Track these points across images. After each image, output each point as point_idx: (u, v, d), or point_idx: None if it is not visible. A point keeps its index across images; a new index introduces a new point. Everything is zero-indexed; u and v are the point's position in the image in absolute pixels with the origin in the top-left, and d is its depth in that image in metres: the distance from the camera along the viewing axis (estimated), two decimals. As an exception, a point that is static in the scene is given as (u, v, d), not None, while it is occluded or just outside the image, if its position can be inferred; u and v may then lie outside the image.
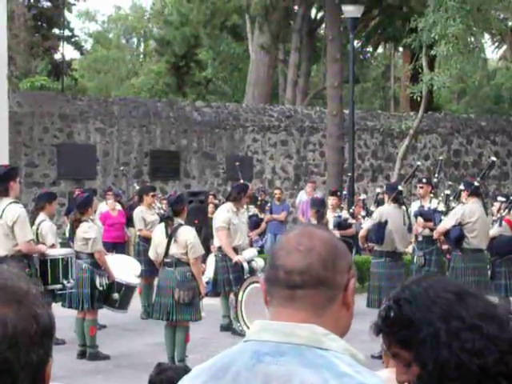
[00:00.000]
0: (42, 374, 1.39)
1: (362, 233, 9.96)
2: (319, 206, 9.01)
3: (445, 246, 10.80)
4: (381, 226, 9.41)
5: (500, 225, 10.22)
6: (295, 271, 1.70)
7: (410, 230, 10.18)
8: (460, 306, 1.82)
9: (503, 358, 1.76)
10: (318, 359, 1.63)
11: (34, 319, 1.36)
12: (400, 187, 9.79)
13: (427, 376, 1.81)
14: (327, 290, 1.71)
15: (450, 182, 13.47)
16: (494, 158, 12.27)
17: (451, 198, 10.98)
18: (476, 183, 9.94)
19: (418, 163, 14.05)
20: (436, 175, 12.16)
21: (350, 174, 15.78)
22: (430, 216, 10.54)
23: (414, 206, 11.11)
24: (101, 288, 8.88)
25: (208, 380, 1.70)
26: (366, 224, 9.90)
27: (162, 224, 8.94)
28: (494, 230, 10.13)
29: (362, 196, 11.25)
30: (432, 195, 10.93)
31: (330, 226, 9.81)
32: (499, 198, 11.04)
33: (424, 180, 11.31)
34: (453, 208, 10.41)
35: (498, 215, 10.39)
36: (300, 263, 1.71)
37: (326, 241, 1.75)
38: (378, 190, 10.55)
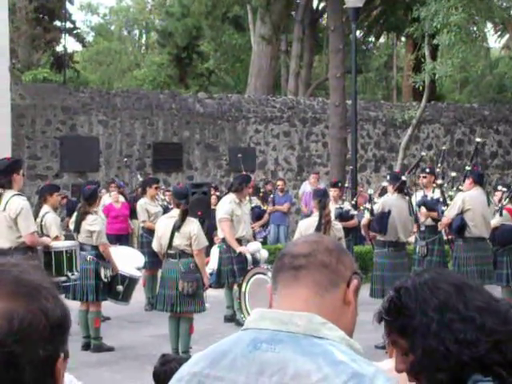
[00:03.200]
0: (52, 370, 1.37)
1: (364, 221, 9.97)
2: (321, 196, 8.99)
3: (450, 236, 10.79)
4: (384, 216, 9.40)
5: (501, 214, 10.21)
6: (300, 256, 1.77)
7: (416, 220, 10.19)
8: (458, 297, 1.83)
9: (498, 347, 1.77)
10: (313, 347, 1.64)
11: (43, 314, 1.35)
12: (404, 177, 9.78)
13: (417, 364, 1.82)
14: (330, 273, 1.76)
15: (453, 172, 13.43)
16: (478, 140, 12.26)
17: (445, 186, 10.97)
18: (467, 167, 9.91)
19: (423, 153, 14.02)
20: (439, 165, 12.14)
21: (351, 167, 15.74)
22: (433, 206, 10.54)
23: (418, 196, 11.10)
24: (105, 280, 8.91)
25: (206, 366, 1.72)
26: (368, 214, 9.88)
27: (166, 216, 8.95)
28: (496, 220, 10.12)
29: (369, 191, 11.24)
30: (435, 185, 10.91)
31: (332, 216, 9.80)
32: (500, 188, 11.04)
33: (427, 170, 11.30)
34: (449, 197, 10.40)
35: (500, 205, 10.38)
36: (305, 249, 1.79)
37: (333, 241, 1.88)
38: (385, 183, 10.53)
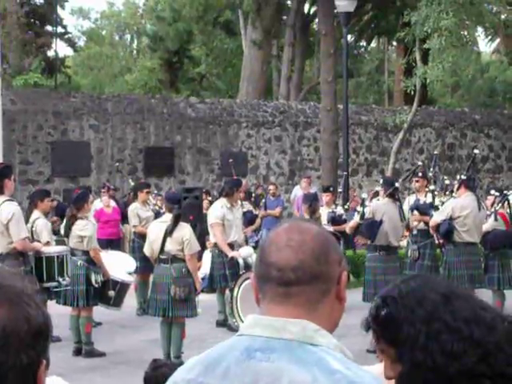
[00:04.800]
0: (34, 376, 1.37)
1: (352, 224, 9.95)
2: (311, 200, 9.00)
3: (441, 240, 10.81)
4: (375, 225, 9.40)
5: (496, 219, 10.23)
6: (288, 268, 1.69)
7: (407, 225, 10.21)
8: (445, 308, 1.81)
9: (486, 359, 1.75)
10: (308, 356, 1.63)
11: (25, 320, 1.34)
12: (397, 184, 9.79)
13: (406, 376, 1.81)
14: (321, 284, 1.70)
15: (445, 177, 13.45)
16: (476, 151, 12.25)
17: (437, 192, 10.99)
18: (463, 176, 9.92)
19: (420, 163, 14.02)
20: (431, 169, 12.17)
21: (345, 173, 15.75)
22: (426, 210, 10.56)
23: (410, 200, 11.12)
24: (96, 285, 8.88)
25: (201, 373, 1.70)
26: (357, 218, 9.86)
27: (158, 220, 8.94)
28: (489, 224, 10.14)
29: (363, 195, 11.25)
30: (428, 189, 10.93)
31: (324, 221, 9.82)
32: (492, 192, 11.06)
33: (420, 174, 11.32)
34: (441, 202, 10.43)
35: (492, 209, 10.40)
36: (292, 260, 1.69)
37: (316, 235, 1.74)
38: (378, 188, 10.54)
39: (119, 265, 9.60)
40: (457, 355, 1.75)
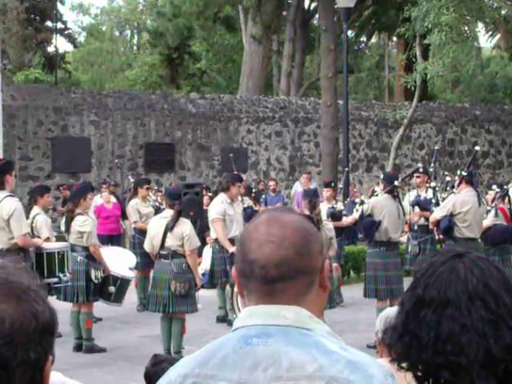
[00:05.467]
0: (41, 372, 1.37)
1: (349, 219, 9.97)
2: (311, 196, 9.00)
3: (441, 236, 10.81)
4: (373, 225, 9.41)
5: (496, 215, 10.22)
6: (271, 265, 1.67)
7: (406, 222, 10.22)
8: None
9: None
10: (304, 339, 1.64)
11: (33, 316, 1.34)
12: (397, 182, 9.78)
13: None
14: (305, 277, 1.69)
15: (446, 173, 13.44)
16: (477, 148, 12.21)
17: (437, 187, 10.99)
18: (464, 172, 9.90)
19: (419, 164, 13.99)
20: (432, 165, 12.16)
21: (347, 169, 15.75)
22: (426, 205, 10.55)
23: (411, 196, 11.12)
24: (96, 281, 8.88)
25: (195, 367, 1.70)
26: (356, 214, 9.88)
27: (158, 216, 8.94)
28: (489, 220, 10.13)
29: (362, 197, 11.28)
30: (428, 185, 10.93)
31: (324, 216, 9.82)
32: (494, 187, 11.04)
33: (421, 169, 11.31)
34: (442, 198, 10.42)
35: (493, 205, 10.39)
36: (274, 256, 1.67)
37: (296, 226, 1.71)
38: (377, 188, 10.54)
39: (120, 260, 9.60)
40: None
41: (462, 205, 9.61)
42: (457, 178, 10.09)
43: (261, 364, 1.63)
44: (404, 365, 1.75)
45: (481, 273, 1.73)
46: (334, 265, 9.48)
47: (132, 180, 14.06)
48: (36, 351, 1.34)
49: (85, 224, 8.88)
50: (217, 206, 10.24)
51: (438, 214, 9.79)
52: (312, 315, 1.69)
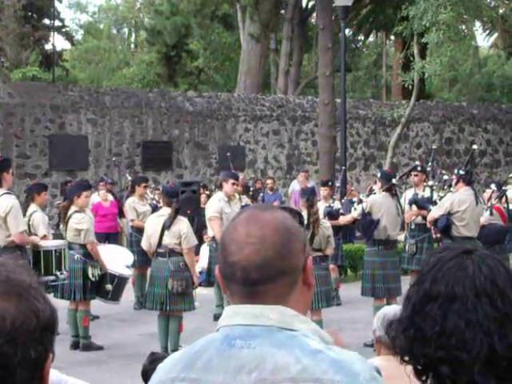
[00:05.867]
0: (41, 371, 1.36)
1: (348, 218, 9.98)
2: (309, 194, 9.00)
3: (438, 235, 10.82)
4: (372, 224, 9.41)
5: (491, 214, 10.23)
6: (252, 267, 1.65)
7: (402, 223, 10.23)
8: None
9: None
10: (288, 340, 1.63)
11: (34, 314, 1.34)
12: (394, 181, 9.78)
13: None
14: (288, 277, 1.67)
15: (444, 172, 13.45)
16: (474, 147, 12.21)
17: (435, 186, 10.99)
18: (461, 171, 9.90)
19: (417, 162, 14.01)
20: (429, 164, 12.18)
21: (344, 167, 15.75)
22: (424, 204, 10.56)
23: (408, 195, 11.12)
24: (93, 279, 8.88)
25: (181, 370, 1.69)
26: (355, 213, 9.88)
27: (155, 214, 8.94)
28: (484, 219, 10.13)
29: (361, 195, 11.27)
30: (425, 184, 10.93)
31: (321, 215, 9.82)
32: (492, 186, 11.04)
33: (418, 168, 11.31)
34: (439, 197, 10.43)
35: (489, 203, 10.39)
36: (255, 258, 1.65)
37: (276, 226, 1.68)
38: (375, 186, 10.54)
39: (117, 258, 9.60)
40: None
41: (460, 203, 9.62)
42: (454, 176, 10.10)
43: (245, 367, 1.61)
44: (406, 358, 1.75)
45: (489, 270, 1.73)
46: (331, 266, 9.49)
47: (129, 178, 14.05)
48: (37, 349, 1.33)
49: (82, 221, 8.88)
50: (214, 204, 10.25)
51: (435, 212, 9.79)
52: (297, 313, 1.67)
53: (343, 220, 10.75)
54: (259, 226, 1.68)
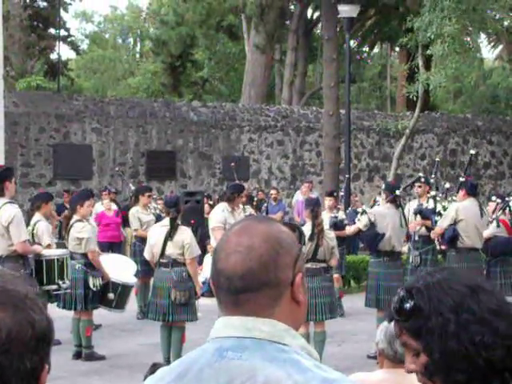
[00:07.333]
0: (37, 382, 1.36)
1: (352, 229, 9.95)
2: (313, 205, 8.97)
3: (443, 246, 10.79)
4: (377, 237, 9.38)
5: (498, 225, 10.22)
6: (236, 276, 1.64)
7: (406, 233, 10.21)
8: (472, 299, 1.81)
9: (510, 352, 1.77)
10: (280, 354, 1.61)
11: (29, 325, 1.33)
12: (398, 192, 9.76)
13: (434, 366, 1.80)
14: (271, 290, 1.65)
15: (446, 182, 13.42)
16: (472, 152, 12.22)
17: (438, 197, 10.98)
18: (461, 178, 9.90)
19: (420, 174, 13.97)
20: (433, 175, 12.15)
21: (348, 176, 15.74)
22: (428, 215, 10.54)
23: (412, 205, 11.10)
24: (94, 289, 8.83)
25: (171, 381, 1.67)
26: (359, 224, 9.84)
27: (159, 224, 8.92)
28: (490, 231, 10.12)
29: (364, 206, 11.25)
30: (429, 195, 10.91)
31: (326, 226, 9.79)
32: (493, 198, 11.03)
33: (422, 179, 11.30)
34: (443, 207, 10.43)
35: (494, 216, 10.38)
36: (239, 267, 1.64)
37: (267, 237, 1.67)
38: (378, 198, 10.51)
39: (120, 267, 9.58)
40: (486, 346, 1.76)
41: (464, 212, 9.62)
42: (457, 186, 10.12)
43: (236, 379, 1.60)
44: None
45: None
46: (335, 276, 9.45)
47: (133, 188, 14.06)
48: (32, 360, 1.33)
49: (83, 230, 8.85)
50: (217, 215, 10.22)
51: (443, 223, 9.78)
52: (289, 328, 1.65)
53: (349, 230, 10.70)
54: (249, 235, 1.67)
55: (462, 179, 9.93)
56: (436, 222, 10.12)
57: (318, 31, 29.82)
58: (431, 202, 10.78)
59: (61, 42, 31.74)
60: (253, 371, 1.59)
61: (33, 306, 1.35)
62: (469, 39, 18.94)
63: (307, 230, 8.93)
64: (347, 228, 10.90)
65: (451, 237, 9.66)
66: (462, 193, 9.90)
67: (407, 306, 1.85)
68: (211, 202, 15.36)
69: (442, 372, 1.80)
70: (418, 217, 10.57)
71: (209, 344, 1.69)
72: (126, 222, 13.07)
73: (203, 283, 10.97)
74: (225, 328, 1.68)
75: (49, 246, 8.86)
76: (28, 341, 1.32)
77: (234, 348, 1.63)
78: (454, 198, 10.22)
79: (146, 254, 8.67)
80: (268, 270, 1.64)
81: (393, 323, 1.92)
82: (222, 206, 10.33)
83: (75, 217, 8.89)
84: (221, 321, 1.71)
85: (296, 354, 1.62)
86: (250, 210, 14.60)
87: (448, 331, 1.78)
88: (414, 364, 1.85)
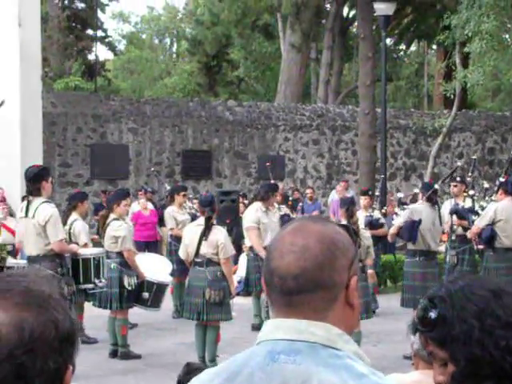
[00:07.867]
0: (60, 382, 1.35)
1: (392, 230, 9.86)
2: (349, 204, 8.91)
3: (480, 246, 10.66)
4: (414, 225, 9.31)
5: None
6: (289, 276, 1.60)
7: (443, 230, 10.10)
8: (496, 303, 1.78)
9: None
10: (334, 359, 1.58)
11: (53, 325, 1.33)
12: (436, 186, 9.69)
13: (460, 374, 1.77)
14: (326, 292, 1.61)
15: (485, 182, 13.25)
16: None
17: (476, 196, 10.85)
18: (501, 179, 9.76)
19: (459, 163, 13.84)
20: (470, 174, 12.02)
21: (382, 176, 15.63)
22: (464, 214, 10.43)
23: (448, 205, 10.99)
24: (129, 288, 8.87)
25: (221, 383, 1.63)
26: (398, 221, 9.79)
27: (193, 224, 8.94)
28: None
29: (399, 194, 11.14)
30: (466, 194, 10.80)
31: (361, 225, 9.73)
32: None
33: (458, 179, 11.18)
34: (481, 207, 10.31)
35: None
36: (293, 267, 1.60)
37: (322, 238, 1.63)
38: (417, 190, 10.43)
39: (155, 266, 9.61)
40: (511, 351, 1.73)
41: (503, 212, 9.52)
42: (496, 186, 9.99)
43: (289, 383, 1.56)
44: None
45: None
46: (370, 271, 9.38)
47: (168, 187, 14.12)
48: (56, 360, 1.32)
49: (119, 229, 8.90)
50: (251, 214, 10.21)
51: (480, 223, 9.69)
52: (342, 333, 1.62)
53: (390, 235, 10.43)
54: (305, 235, 1.64)
55: (501, 179, 9.80)
56: (473, 221, 10.01)
57: (354, 30, 29.68)
58: (468, 201, 10.67)
59: (98, 43, 32.04)
60: (307, 376, 1.56)
61: (56, 306, 1.35)
62: (507, 36, 18.69)
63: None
64: (389, 234, 10.67)
65: (488, 236, 9.56)
66: (500, 192, 9.79)
67: (431, 315, 1.82)
68: (246, 202, 15.35)
69: (470, 380, 1.76)
70: (454, 216, 10.47)
71: (258, 346, 1.65)
72: (161, 222, 13.12)
73: (238, 282, 10.99)
74: (276, 330, 1.63)
75: (85, 245, 8.94)
76: (51, 341, 1.32)
77: (286, 351, 1.59)
78: (493, 198, 10.08)
79: (181, 253, 8.69)
80: (323, 271, 1.61)
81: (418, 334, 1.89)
82: (256, 206, 10.32)
83: (112, 216, 8.94)
84: (271, 323, 1.66)
85: (350, 360, 1.59)
86: (284, 209, 14.59)
87: (472, 338, 1.75)
88: (443, 375, 1.82)
